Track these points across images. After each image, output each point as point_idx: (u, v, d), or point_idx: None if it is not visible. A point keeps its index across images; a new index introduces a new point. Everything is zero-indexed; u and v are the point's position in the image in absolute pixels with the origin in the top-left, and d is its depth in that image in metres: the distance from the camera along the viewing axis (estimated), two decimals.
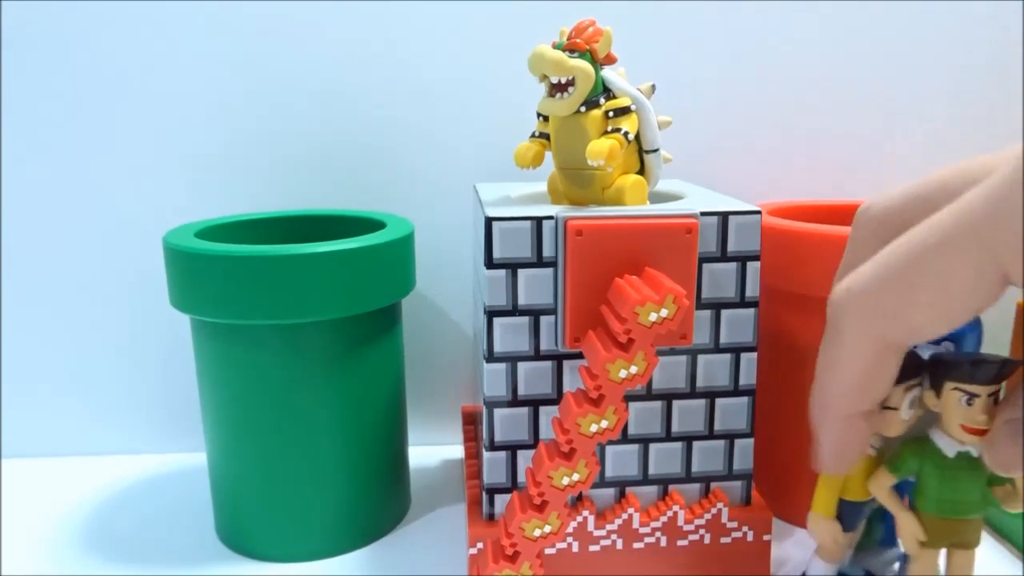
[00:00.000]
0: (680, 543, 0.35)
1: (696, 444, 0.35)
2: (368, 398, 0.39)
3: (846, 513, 0.34)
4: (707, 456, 0.35)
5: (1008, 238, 0.19)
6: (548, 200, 0.36)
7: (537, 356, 0.33)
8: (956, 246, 0.20)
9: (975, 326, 0.32)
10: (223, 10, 0.46)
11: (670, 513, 0.35)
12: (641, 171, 0.35)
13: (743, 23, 0.48)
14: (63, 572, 0.39)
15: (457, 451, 0.52)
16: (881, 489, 0.33)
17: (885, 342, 0.23)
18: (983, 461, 0.31)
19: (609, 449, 0.35)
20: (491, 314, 0.33)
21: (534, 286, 0.32)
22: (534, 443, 0.34)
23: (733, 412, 0.35)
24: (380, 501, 0.41)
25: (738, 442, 0.35)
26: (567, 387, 0.34)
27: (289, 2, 0.46)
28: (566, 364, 0.33)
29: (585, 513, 0.35)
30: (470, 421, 0.47)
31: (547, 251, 0.32)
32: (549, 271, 0.32)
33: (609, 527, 0.35)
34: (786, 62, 0.49)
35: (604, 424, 0.29)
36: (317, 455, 0.38)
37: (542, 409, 0.34)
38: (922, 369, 0.32)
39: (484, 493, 0.35)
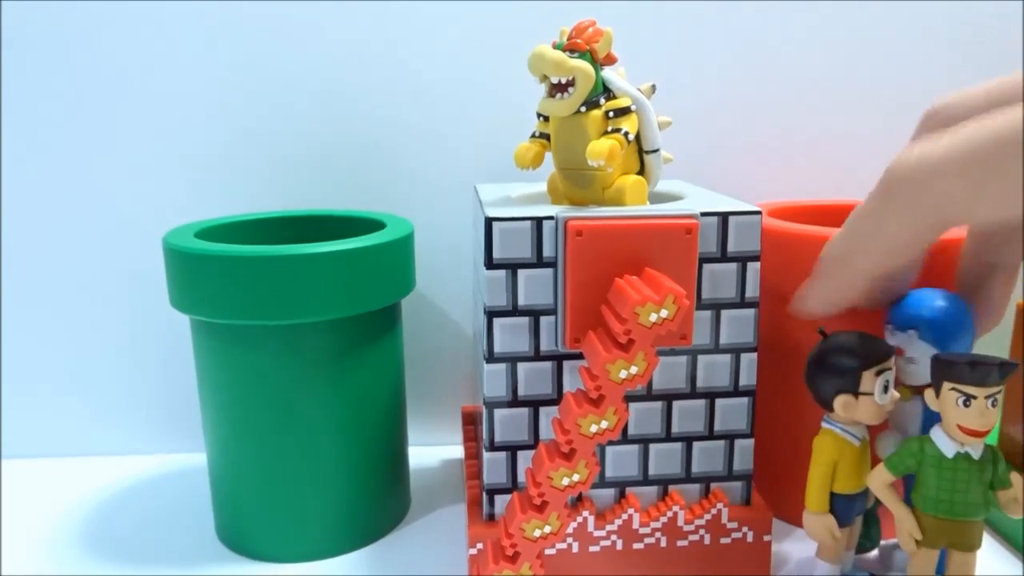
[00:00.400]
0: (680, 543, 0.35)
1: (696, 444, 0.35)
2: (368, 398, 0.39)
3: (840, 507, 0.34)
4: (707, 456, 0.35)
5: None
6: (548, 200, 0.36)
7: (537, 356, 0.33)
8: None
9: (965, 328, 0.32)
10: (223, 10, 0.46)
11: (670, 513, 0.35)
12: (641, 171, 0.35)
13: (743, 23, 0.48)
14: (63, 572, 0.39)
15: (457, 451, 0.52)
16: (879, 486, 0.33)
17: (940, 220, 0.22)
18: (984, 464, 0.31)
19: (609, 449, 0.35)
20: (491, 314, 0.33)
21: (534, 286, 0.32)
22: (534, 443, 0.34)
23: (733, 413, 0.35)
24: (380, 501, 0.41)
25: (738, 442, 0.35)
26: (567, 387, 0.34)
27: (289, 2, 0.46)
28: (566, 364, 0.33)
29: (585, 513, 0.35)
30: (470, 421, 0.47)
31: (547, 251, 0.32)
32: (549, 271, 0.32)
33: (609, 527, 0.35)
34: (786, 62, 0.49)
35: (604, 424, 0.29)
36: (317, 455, 0.38)
37: (542, 409, 0.34)
38: (891, 353, 0.32)
39: (484, 493, 0.35)
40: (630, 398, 0.34)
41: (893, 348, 0.33)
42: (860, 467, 0.33)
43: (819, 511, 0.34)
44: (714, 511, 0.35)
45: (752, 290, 0.33)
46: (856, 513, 0.34)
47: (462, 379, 0.52)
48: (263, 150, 0.48)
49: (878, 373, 0.32)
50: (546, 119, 0.35)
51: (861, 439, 0.33)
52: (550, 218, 0.32)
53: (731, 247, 0.33)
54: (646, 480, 0.35)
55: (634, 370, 0.28)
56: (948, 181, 0.21)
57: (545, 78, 0.33)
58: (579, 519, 0.35)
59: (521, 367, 0.33)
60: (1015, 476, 0.32)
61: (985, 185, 0.21)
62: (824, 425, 0.34)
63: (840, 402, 0.32)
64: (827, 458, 0.33)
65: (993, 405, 0.30)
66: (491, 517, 0.35)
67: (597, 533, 0.35)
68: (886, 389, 0.32)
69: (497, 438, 0.34)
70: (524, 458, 0.34)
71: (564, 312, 0.32)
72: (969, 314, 0.32)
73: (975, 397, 0.30)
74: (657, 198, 0.38)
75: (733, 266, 0.33)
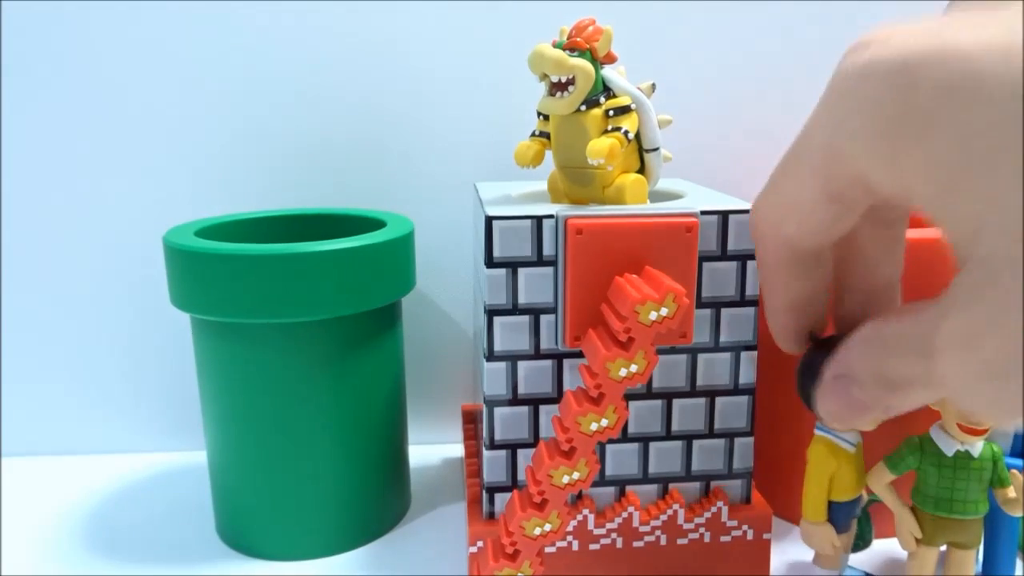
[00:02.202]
0: (680, 542, 0.36)
1: (696, 443, 0.35)
2: (368, 397, 0.39)
3: (838, 515, 0.34)
4: (707, 455, 0.35)
5: (839, 143, 0.18)
6: (548, 199, 0.36)
7: (537, 355, 0.33)
8: (798, 153, 0.20)
9: None
10: (224, 9, 0.46)
11: (670, 512, 0.35)
12: (641, 170, 0.35)
13: (743, 22, 0.48)
14: (63, 570, 0.39)
15: (457, 449, 0.52)
16: (879, 485, 0.33)
17: (780, 245, 0.22)
18: (984, 462, 0.31)
19: (609, 448, 0.35)
20: (491, 313, 0.33)
21: (534, 285, 0.32)
22: (534, 442, 0.34)
23: (733, 411, 0.35)
24: (380, 500, 0.41)
25: (738, 441, 0.35)
26: (567, 386, 0.34)
27: (290, 2, 0.46)
28: (566, 363, 0.33)
29: (585, 512, 0.35)
30: (470, 420, 0.47)
31: (547, 250, 0.32)
32: (549, 270, 0.32)
33: (609, 526, 0.35)
34: (787, 61, 0.49)
35: (604, 423, 0.29)
36: (317, 453, 0.38)
37: (542, 408, 0.34)
38: None
39: (484, 492, 0.35)
40: (630, 396, 0.34)
41: None
42: (857, 472, 0.33)
43: (818, 521, 0.33)
44: (714, 509, 0.35)
45: (752, 288, 0.33)
46: (853, 516, 0.34)
47: (462, 378, 0.52)
48: (264, 149, 0.48)
49: None
50: (546, 118, 0.35)
51: (856, 444, 0.33)
52: (550, 217, 0.32)
53: (731, 245, 0.33)
54: (646, 478, 0.35)
55: (634, 368, 0.28)
56: (761, 204, 0.22)
57: (545, 77, 0.33)
58: (579, 517, 0.35)
59: (521, 365, 0.33)
60: (1015, 474, 0.32)
61: (776, 196, 0.21)
62: (818, 433, 0.33)
63: None
64: (824, 468, 0.33)
65: None
66: (491, 515, 0.35)
67: (597, 531, 0.35)
68: None
69: (497, 436, 0.34)
70: (524, 456, 0.35)
71: (564, 310, 0.32)
72: None
73: None
74: (657, 196, 0.38)
75: (733, 264, 0.33)
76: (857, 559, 0.38)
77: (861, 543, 0.36)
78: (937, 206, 0.17)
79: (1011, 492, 0.31)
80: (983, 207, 0.15)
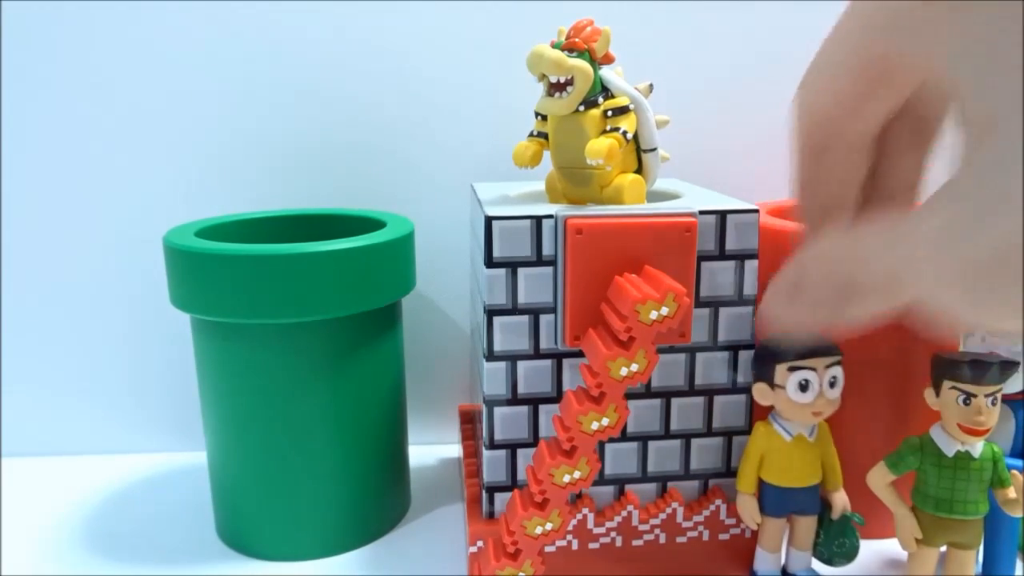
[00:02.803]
0: (679, 540, 0.36)
1: (695, 442, 0.35)
2: (368, 397, 0.39)
3: (768, 496, 0.34)
4: (705, 453, 0.35)
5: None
6: (546, 199, 0.36)
7: (537, 355, 0.33)
8: (839, 22, 0.20)
9: None
10: (223, 10, 0.46)
11: (669, 510, 0.35)
12: (639, 170, 0.35)
13: (742, 22, 0.48)
14: (63, 571, 0.39)
15: (456, 450, 0.52)
16: (879, 485, 0.33)
17: (803, 115, 0.23)
18: (984, 463, 0.31)
19: (608, 447, 0.35)
20: (491, 313, 0.33)
21: (534, 285, 0.32)
22: (534, 442, 0.34)
23: (731, 410, 0.35)
24: (380, 500, 0.41)
25: (736, 439, 0.35)
26: (567, 385, 0.34)
27: (289, 2, 0.46)
28: (566, 362, 0.34)
29: (585, 511, 0.35)
30: (467, 420, 0.47)
31: (547, 250, 0.32)
32: (549, 270, 0.32)
33: (608, 524, 0.35)
34: (785, 60, 0.49)
35: (605, 422, 0.29)
36: (317, 454, 0.38)
37: (542, 408, 0.34)
38: (812, 355, 0.32)
39: (484, 491, 0.35)
40: (628, 396, 0.34)
41: (818, 350, 0.32)
42: (792, 462, 0.33)
43: (743, 491, 0.34)
44: (712, 508, 0.35)
45: (750, 288, 0.34)
46: (792, 510, 0.34)
47: (462, 378, 0.52)
48: (264, 150, 0.48)
49: (791, 370, 0.32)
50: (544, 118, 0.35)
51: (795, 435, 0.33)
52: (550, 217, 0.32)
53: (729, 245, 0.33)
54: (645, 477, 0.36)
55: (635, 367, 0.28)
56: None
57: (544, 77, 0.33)
58: (579, 516, 0.35)
59: (521, 365, 0.33)
60: (1015, 475, 0.32)
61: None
62: (768, 417, 0.34)
63: (757, 390, 0.33)
64: (755, 445, 0.34)
65: (993, 404, 0.30)
66: (491, 515, 0.35)
67: (597, 530, 0.35)
68: (804, 388, 0.32)
69: (497, 436, 0.34)
70: (524, 456, 0.35)
71: (564, 310, 0.32)
72: None
73: (975, 396, 0.30)
74: (654, 197, 0.38)
75: (731, 264, 0.33)
76: (861, 562, 0.38)
77: (840, 551, 0.35)
78: (960, 86, 0.16)
79: (1011, 492, 0.31)
80: (1008, 99, 0.14)
